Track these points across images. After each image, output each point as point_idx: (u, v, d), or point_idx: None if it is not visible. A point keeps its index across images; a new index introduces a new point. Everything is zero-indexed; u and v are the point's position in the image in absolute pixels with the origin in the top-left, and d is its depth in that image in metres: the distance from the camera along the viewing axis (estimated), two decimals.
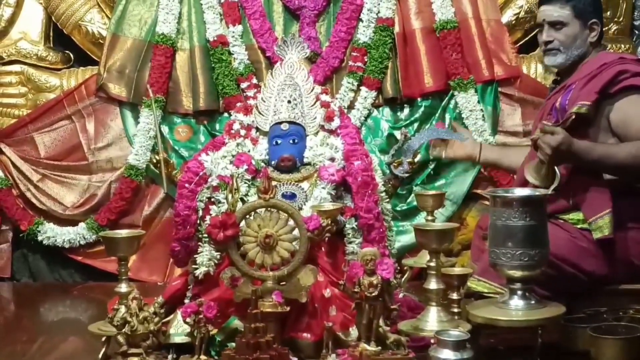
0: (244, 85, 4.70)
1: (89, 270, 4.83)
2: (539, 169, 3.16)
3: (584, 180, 3.17)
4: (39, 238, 4.76)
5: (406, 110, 4.82)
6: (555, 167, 3.10)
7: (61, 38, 5.03)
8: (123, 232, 3.21)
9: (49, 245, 4.77)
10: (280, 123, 3.65)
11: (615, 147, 3.18)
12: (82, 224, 4.76)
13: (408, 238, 4.47)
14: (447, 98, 4.76)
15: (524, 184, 3.24)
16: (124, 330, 2.80)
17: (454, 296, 3.13)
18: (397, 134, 4.61)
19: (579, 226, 3.18)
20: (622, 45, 4.78)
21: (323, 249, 3.32)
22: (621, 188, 3.17)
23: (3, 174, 4.81)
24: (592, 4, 3.47)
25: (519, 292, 2.85)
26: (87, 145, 4.83)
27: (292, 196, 3.49)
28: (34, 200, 4.81)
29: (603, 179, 3.18)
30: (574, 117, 3.14)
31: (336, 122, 3.69)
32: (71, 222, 4.79)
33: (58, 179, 4.83)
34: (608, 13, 4.77)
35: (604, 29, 3.56)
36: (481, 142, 4.32)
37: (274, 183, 3.26)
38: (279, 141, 3.61)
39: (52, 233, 4.75)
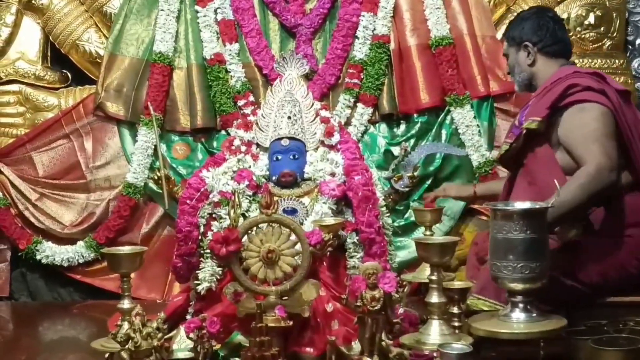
0: (241, 102, 4.70)
1: (87, 289, 4.81)
2: None
3: None
4: (38, 257, 4.74)
5: (402, 126, 4.83)
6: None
7: (59, 57, 5.03)
8: (125, 249, 3.16)
9: (47, 264, 4.75)
10: (281, 139, 3.68)
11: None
12: (80, 243, 4.75)
13: (406, 253, 4.49)
14: (443, 114, 4.78)
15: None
16: (127, 346, 2.78)
17: (455, 310, 3.14)
18: (394, 149, 4.64)
19: None
20: (617, 60, 4.80)
21: (325, 263, 3.34)
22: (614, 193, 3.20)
23: (1, 193, 4.80)
24: (520, 27, 3.54)
25: (521, 305, 2.86)
26: (85, 164, 4.83)
27: (293, 211, 3.52)
28: (32, 219, 4.80)
29: None
30: (524, 132, 3.20)
31: (336, 138, 3.72)
32: (70, 240, 4.78)
33: (56, 197, 4.82)
34: (602, 29, 4.81)
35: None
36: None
37: (274, 198, 3.27)
38: (280, 157, 3.64)
39: (50, 252, 4.74)
